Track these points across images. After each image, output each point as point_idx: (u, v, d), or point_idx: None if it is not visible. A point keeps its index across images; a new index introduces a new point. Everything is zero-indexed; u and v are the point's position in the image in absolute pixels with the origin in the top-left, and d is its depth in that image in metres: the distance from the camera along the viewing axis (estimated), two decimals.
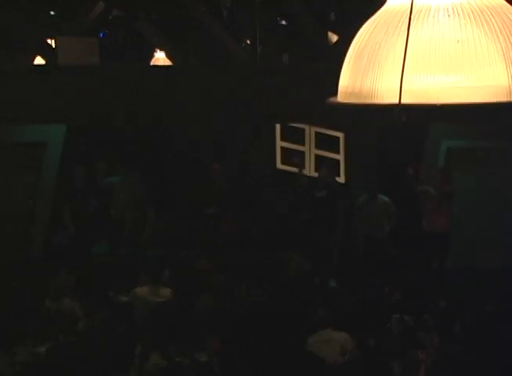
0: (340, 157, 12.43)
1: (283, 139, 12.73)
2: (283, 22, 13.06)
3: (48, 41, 9.59)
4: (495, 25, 1.90)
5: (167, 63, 12.24)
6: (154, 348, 6.60)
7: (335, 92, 2.13)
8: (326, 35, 10.43)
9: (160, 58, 12.43)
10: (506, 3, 2.01)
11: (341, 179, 12.36)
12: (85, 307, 7.78)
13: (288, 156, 12.72)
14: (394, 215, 10.27)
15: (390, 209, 10.26)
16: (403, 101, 1.86)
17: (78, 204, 10.21)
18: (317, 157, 12.60)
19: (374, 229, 10.31)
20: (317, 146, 12.53)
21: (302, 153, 12.62)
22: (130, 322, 7.80)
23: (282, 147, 12.75)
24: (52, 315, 7.36)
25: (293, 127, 12.52)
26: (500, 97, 1.87)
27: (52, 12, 11.71)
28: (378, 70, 1.94)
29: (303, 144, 12.60)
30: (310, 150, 12.57)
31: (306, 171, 12.67)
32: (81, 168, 10.47)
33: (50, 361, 6.40)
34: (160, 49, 12.49)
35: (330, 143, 12.44)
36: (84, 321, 7.47)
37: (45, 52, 8.32)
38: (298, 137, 12.60)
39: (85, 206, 10.22)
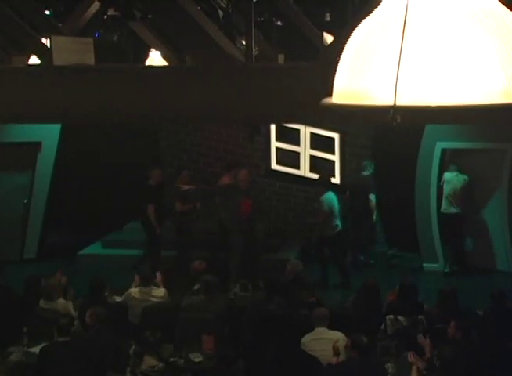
0: (336, 157, 12.45)
1: (278, 139, 12.73)
2: (279, 22, 13.06)
3: (43, 40, 9.57)
4: (490, 26, 1.90)
5: (163, 63, 12.23)
6: (148, 348, 6.59)
7: (330, 93, 2.13)
8: (322, 36, 10.43)
9: (155, 58, 12.42)
10: (501, 5, 2.01)
11: (336, 180, 12.38)
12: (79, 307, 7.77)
13: (283, 156, 12.73)
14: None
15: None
16: (398, 103, 1.86)
17: (157, 204, 10.52)
18: (312, 157, 12.61)
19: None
20: (312, 147, 12.54)
21: (297, 154, 12.64)
22: (124, 322, 7.79)
23: (277, 148, 12.76)
24: (47, 315, 7.34)
25: (289, 127, 12.53)
26: (495, 99, 1.88)
27: (47, 12, 11.69)
28: (373, 71, 1.94)
29: (298, 145, 12.61)
30: (305, 151, 12.57)
31: (301, 172, 12.69)
32: (156, 169, 10.87)
33: (44, 361, 6.38)
34: (156, 49, 12.48)
35: (326, 144, 12.45)
36: (79, 321, 7.46)
37: (40, 51, 8.30)
38: (293, 138, 12.61)
39: (162, 205, 10.60)
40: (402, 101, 1.87)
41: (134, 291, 8.16)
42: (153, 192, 10.54)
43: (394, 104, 1.86)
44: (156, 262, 10.30)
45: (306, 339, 6.79)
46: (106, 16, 11.80)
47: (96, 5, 10.78)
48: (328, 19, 12.95)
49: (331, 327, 6.93)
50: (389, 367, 6.48)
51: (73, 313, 7.63)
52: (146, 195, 10.59)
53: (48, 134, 11.82)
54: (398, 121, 1.86)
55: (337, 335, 6.79)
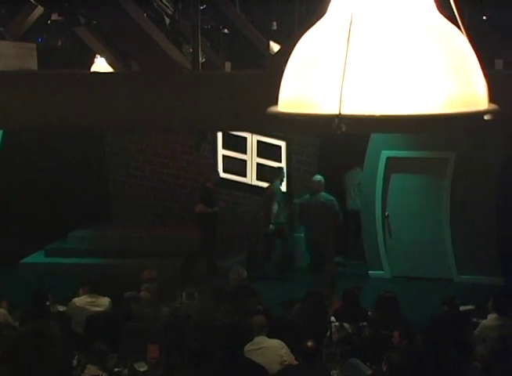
0: (282, 165, 12.51)
1: (224, 147, 12.74)
2: (226, 30, 13.06)
3: None
4: (433, 38, 1.93)
5: (109, 69, 12.08)
6: (93, 358, 6.48)
7: (276, 102, 2.13)
8: (268, 44, 10.47)
9: (100, 64, 12.27)
10: (444, 18, 2.04)
11: (283, 188, 12.43)
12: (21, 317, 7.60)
13: (230, 164, 12.74)
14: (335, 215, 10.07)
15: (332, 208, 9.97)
16: (343, 112, 1.87)
17: (210, 204, 11.08)
18: (259, 165, 12.66)
19: (316, 231, 10.04)
20: (259, 155, 12.59)
21: (244, 162, 12.67)
22: (67, 332, 7.65)
23: (224, 155, 12.76)
24: None
25: (235, 135, 12.54)
26: (438, 109, 1.90)
27: None
28: (318, 80, 1.95)
29: (245, 153, 12.64)
30: (252, 159, 12.61)
31: (248, 180, 12.72)
32: (215, 173, 11.87)
33: None
34: (101, 55, 12.32)
35: (272, 152, 12.52)
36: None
37: None
38: (240, 146, 12.63)
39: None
40: (347, 110, 1.88)
41: (78, 299, 8.02)
42: (211, 194, 11.23)
43: (339, 113, 1.87)
44: (212, 265, 10.48)
45: (246, 348, 6.72)
46: (49, 21, 11.60)
47: (40, 10, 10.58)
48: (275, 27, 13.01)
49: (277, 335, 6.93)
50: (334, 374, 6.51)
51: (13, 324, 7.45)
52: (205, 197, 11.18)
53: None
54: (343, 129, 1.87)
55: (276, 343, 6.78)
